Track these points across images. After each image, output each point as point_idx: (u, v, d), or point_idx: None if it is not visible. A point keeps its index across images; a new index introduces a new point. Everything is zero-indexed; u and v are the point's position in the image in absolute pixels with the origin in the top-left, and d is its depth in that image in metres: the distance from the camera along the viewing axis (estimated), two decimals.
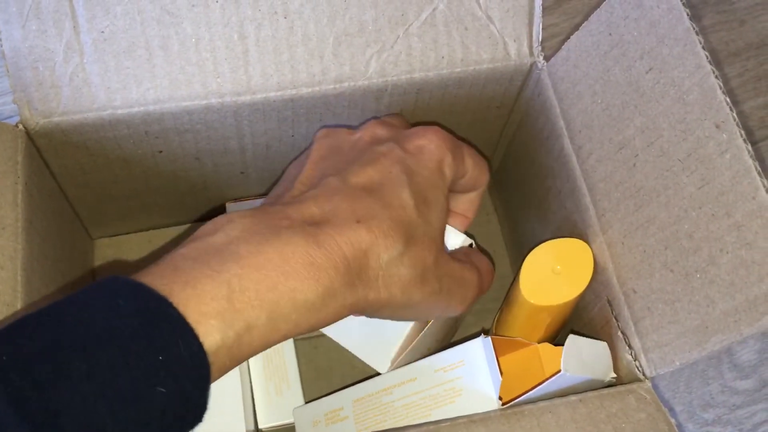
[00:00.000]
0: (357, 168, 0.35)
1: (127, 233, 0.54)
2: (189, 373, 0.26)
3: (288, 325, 0.29)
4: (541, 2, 0.42)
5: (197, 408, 0.27)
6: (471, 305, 0.39)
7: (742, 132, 0.31)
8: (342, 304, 0.31)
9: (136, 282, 0.27)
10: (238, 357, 0.28)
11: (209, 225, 0.31)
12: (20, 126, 0.39)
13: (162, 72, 0.40)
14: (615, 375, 0.38)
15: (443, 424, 0.34)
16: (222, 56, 0.40)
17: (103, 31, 0.39)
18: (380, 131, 0.38)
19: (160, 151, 0.44)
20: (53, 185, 0.44)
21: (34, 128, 0.40)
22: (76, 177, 0.44)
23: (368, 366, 0.48)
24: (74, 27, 0.39)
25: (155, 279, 0.27)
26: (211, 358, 0.27)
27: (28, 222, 0.37)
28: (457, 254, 0.38)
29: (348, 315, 0.32)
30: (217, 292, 0.27)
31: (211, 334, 0.26)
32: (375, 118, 0.41)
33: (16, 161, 0.38)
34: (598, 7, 0.39)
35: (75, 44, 0.39)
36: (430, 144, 0.37)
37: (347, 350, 0.45)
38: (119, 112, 0.40)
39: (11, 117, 0.40)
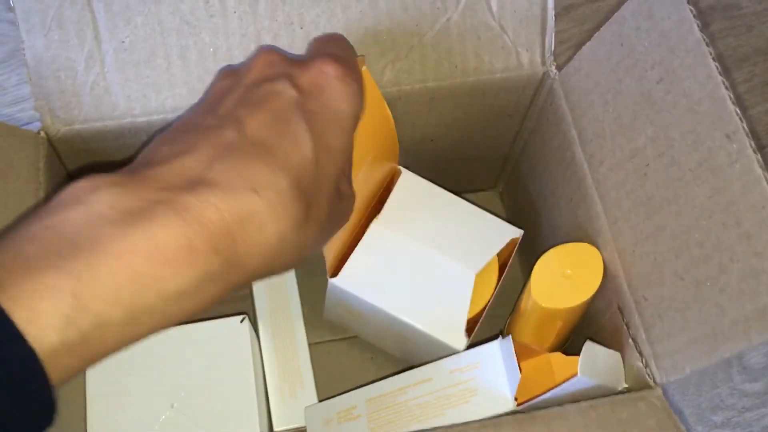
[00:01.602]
0: (249, 116, 0.30)
1: None
2: (16, 380, 0.22)
3: (154, 319, 0.25)
4: (554, 13, 0.42)
5: (39, 415, 0.23)
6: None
7: (752, 143, 0.32)
8: (222, 288, 0.27)
9: None
10: (89, 357, 0.25)
11: (70, 191, 0.26)
12: (42, 133, 0.40)
13: (180, 81, 0.41)
14: (627, 385, 0.38)
15: (455, 428, 0.34)
16: None
17: (123, 41, 0.40)
18: (269, 69, 0.32)
19: None
20: None
21: (56, 135, 0.40)
22: None
23: (381, 370, 0.49)
24: (96, 37, 0.40)
25: None
26: (48, 361, 0.23)
27: None
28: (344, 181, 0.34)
29: (230, 295, 0.28)
30: (61, 284, 0.23)
31: (45, 335, 0.23)
32: (268, 47, 0.35)
33: (38, 167, 0.39)
34: (607, 14, 0.40)
35: (96, 54, 0.40)
36: (329, 83, 0.32)
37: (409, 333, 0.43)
38: (139, 120, 0.41)
39: (30, 123, 0.41)
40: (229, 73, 0.34)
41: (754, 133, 0.32)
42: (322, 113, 0.31)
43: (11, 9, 0.39)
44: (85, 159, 0.43)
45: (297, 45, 0.41)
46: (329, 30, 0.41)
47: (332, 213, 0.32)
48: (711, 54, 0.34)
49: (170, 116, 0.41)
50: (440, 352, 0.42)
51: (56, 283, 0.23)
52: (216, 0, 0.40)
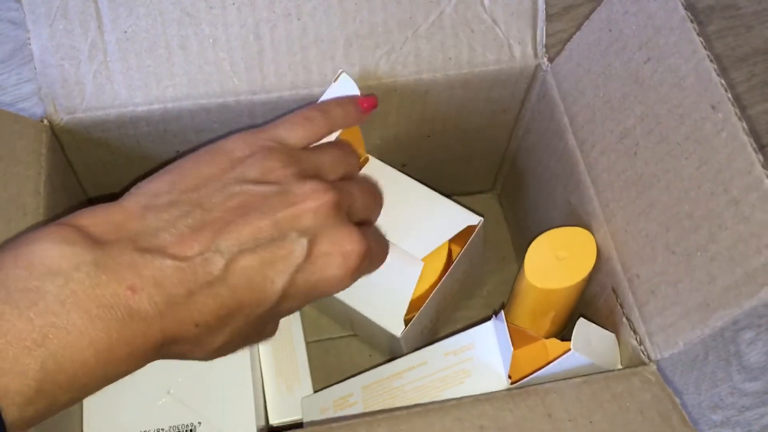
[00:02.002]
0: (247, 260, 0.31)
1: None
2: None
3: (87, 395, 0.29)
4: (544, 6, 0.43)
5: None
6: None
7: (737, 111, 0.32)
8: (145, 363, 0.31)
9: None
10: (32, 424, 0.28)
11: (53, 259, 0.28)
12: (45, 121, 0.41)
13: (181, 71, 0.42)
14: (622, 367, 0.38)
15: (449, 403, 0.34)
16: (238, 56, 0.42)
17: (126, 31, 0.41)
18: (313, 218, 0.33)
19: (178, 151, 0.45)
20: (75, 183, 0.45)
21: (59, 123, 0.41)
22: (97, 176, 0.46)
23: (377, 364, 0.49)
24: (99, 27, 0.41)
25: None
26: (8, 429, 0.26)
27: (50, 209, 0.39)
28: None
29: None
30: (29, 370, 0.26)
31: (9, 412, 0.26)
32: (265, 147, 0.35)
33: (40, 153, 0.40)
34: None
35: (99, 43, 0.41)
36: (341, 269, 0.33)
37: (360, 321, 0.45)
38: (140, 109, 0.42)
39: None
40: (240, 140, 0.35)
41: (753, 134, 0.33)
42: (309, 287, 0.32)
43: (17, 0, 0.40)
44: (87, 150, 0.44)
45: (294, 36, 0.42)
46: (325, 22, 0.42)
47: (248, 341, 0.34)
48: (695, 30, 0.35)
49: (170, 105, 0.42)
50: (386, 336, 0.43)
51: (26, 369, 0.26)
52: None
